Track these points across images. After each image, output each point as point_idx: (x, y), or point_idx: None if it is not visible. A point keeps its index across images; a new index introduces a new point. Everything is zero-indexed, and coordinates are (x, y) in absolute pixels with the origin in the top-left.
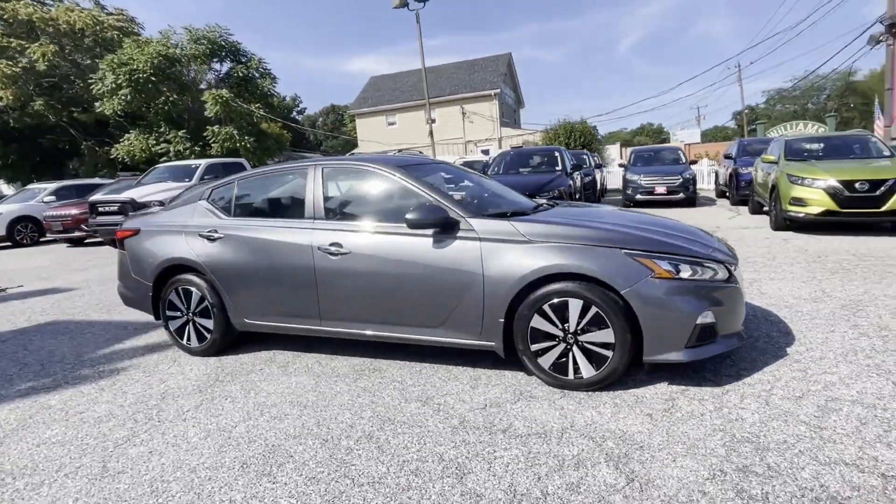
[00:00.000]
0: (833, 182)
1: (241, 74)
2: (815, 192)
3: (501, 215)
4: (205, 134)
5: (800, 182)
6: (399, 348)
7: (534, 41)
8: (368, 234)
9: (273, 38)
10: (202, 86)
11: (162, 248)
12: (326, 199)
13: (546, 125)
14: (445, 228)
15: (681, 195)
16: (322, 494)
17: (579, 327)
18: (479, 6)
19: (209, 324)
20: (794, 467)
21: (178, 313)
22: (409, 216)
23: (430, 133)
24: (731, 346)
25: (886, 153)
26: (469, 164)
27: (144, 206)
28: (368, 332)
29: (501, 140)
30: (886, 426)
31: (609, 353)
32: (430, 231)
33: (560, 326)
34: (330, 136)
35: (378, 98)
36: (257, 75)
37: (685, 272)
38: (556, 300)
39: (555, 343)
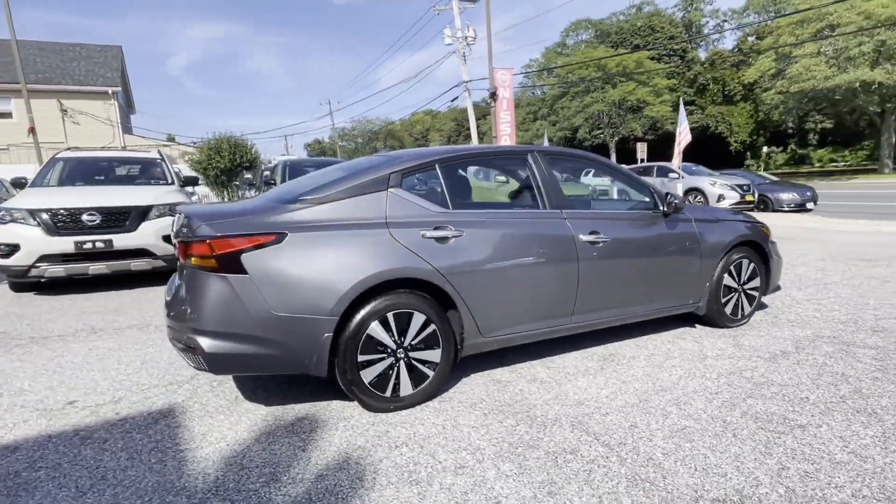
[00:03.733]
0: None
1: None
2: None
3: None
4: None
5: None
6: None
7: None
8: (614, 220)
9: None
10: None
11: (357, 260)
12: (557, 186)
13: (197, 137)
14: (677, 211)
15: None
16: None
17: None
18: None
19: (433, 356)
20: None
21: (381, 355)
22: (671, 202)
23: (33, 130)
24: None
25: None
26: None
27: None
28: (607, 318)
29: (126, 150)
30: None
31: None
32: (665, 215)
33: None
34: None
35: None
36: None
37: None
38: (735, 256)
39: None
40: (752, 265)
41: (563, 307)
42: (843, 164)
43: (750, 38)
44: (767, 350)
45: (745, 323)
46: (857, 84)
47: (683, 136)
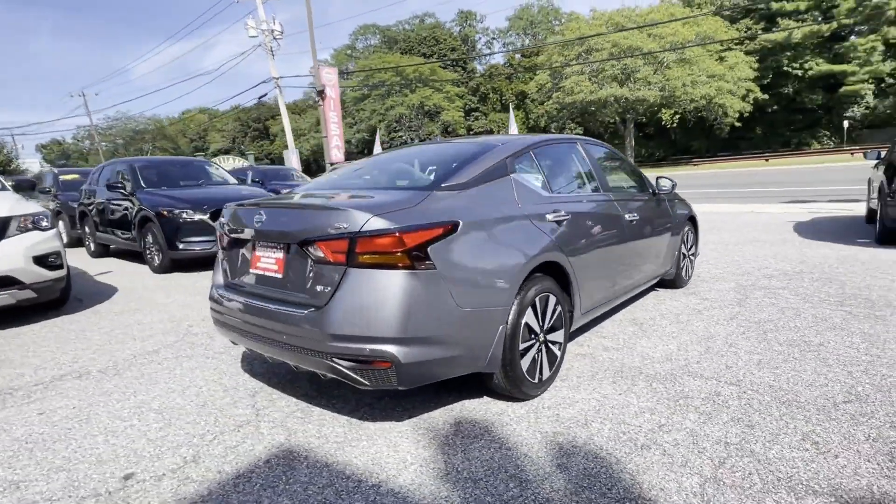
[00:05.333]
0: None
1: None
2: None
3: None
4: None
5: None
6: None
7: None
8: (637, 202)
9: None
10: None
11: (518, 247)
12: (602, 172)
13: None
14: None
15: None
16: None
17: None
18: None
19: (559, 336)
20: None
21: (532, 341)
22: (663, 185)
23: None
24: None
25: None
26: None
27: None
28: (632, 287)
29: None
30: None
31: None
32: (654, 195)
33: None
34: None
35: None
36: None
37: None
38: (685, 228)
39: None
40: (693, 235)
41: (621, 281)
42: None
43: (517, 56)
44: (727, 297)
45: (688, 281)
46: (612, 98)
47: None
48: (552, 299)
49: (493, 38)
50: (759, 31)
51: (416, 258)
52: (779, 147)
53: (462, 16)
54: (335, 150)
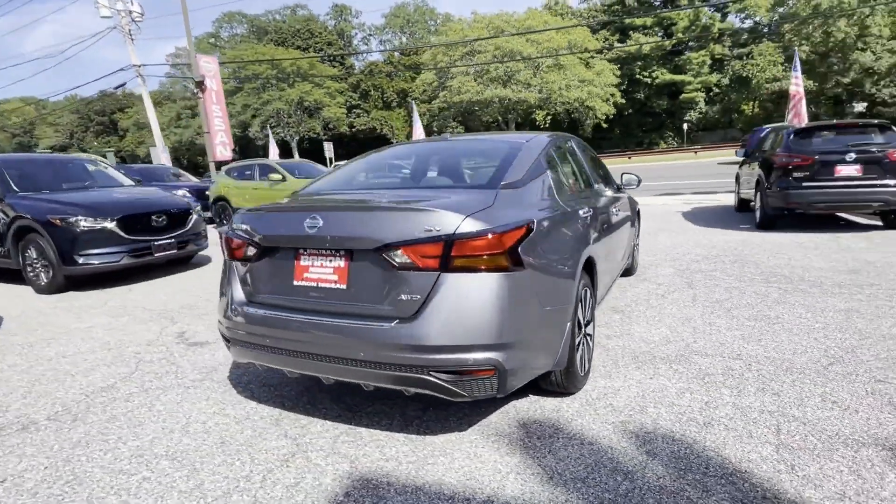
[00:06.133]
0: None
1: None
2: None
3: None
4: None
5: None
6: None
7: None
8: (612, 196)
9: None
10: None
11: (574, 243)
12: (590, 168)
13: None
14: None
15: None
16: None
17: None
18: None
19: (591, 329)
20: None
21: (580, 336)
22: (629, 181)
23: None
24: None
25: None
26: None
27: None
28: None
29: None
30: None
31: None
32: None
33: None
34: None
35: None
36: None
37: None
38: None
39: None
40: (639, 226)
41: (614, 270)
42: None
43: (396, 54)
44: (676, 282)
45: (636, 270)
46: (497, 98)
47: (416, 136)
48: (589, 292)
49: (370, 35)
50: (616, 43)
51: (511, 259)
52: (634, 146)
53: (337, 10)
54: (220, 146)
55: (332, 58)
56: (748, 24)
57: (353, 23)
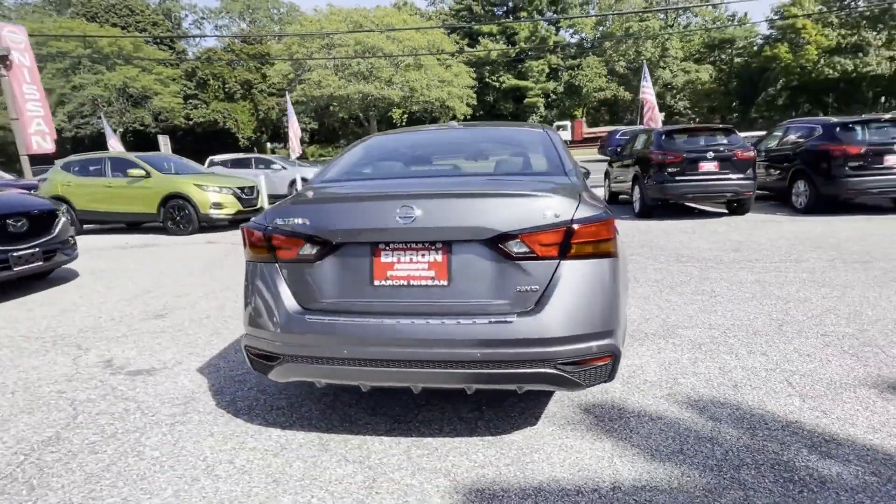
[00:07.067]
0: None
1: None
2: None
3: None
4: None
5: None
6: None
7: None
8: None
9: None
10: None
11: None
12: None
13: None
14: None
15: None
16: None
17: None
18: None
19: None
20: None
21: None
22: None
23: None
24: None
25: None
26: None
27: None
28: None
29: None
30: None
31: None
32: None
33: None
34: None
35: None
36: None
37: None
38: None
39: None
40: None
41: None
42: (329, 158)
43: (237, 41)
44: None
45: None
46: (360, 94)
47: (293, 130)
48: None
49: (203, 18)
50: (466, 47)
51: (615, 245)
52: None
53: None
54: (38, 137)
55: (160, 40)
56: (577, 38)
57: (181, 2)
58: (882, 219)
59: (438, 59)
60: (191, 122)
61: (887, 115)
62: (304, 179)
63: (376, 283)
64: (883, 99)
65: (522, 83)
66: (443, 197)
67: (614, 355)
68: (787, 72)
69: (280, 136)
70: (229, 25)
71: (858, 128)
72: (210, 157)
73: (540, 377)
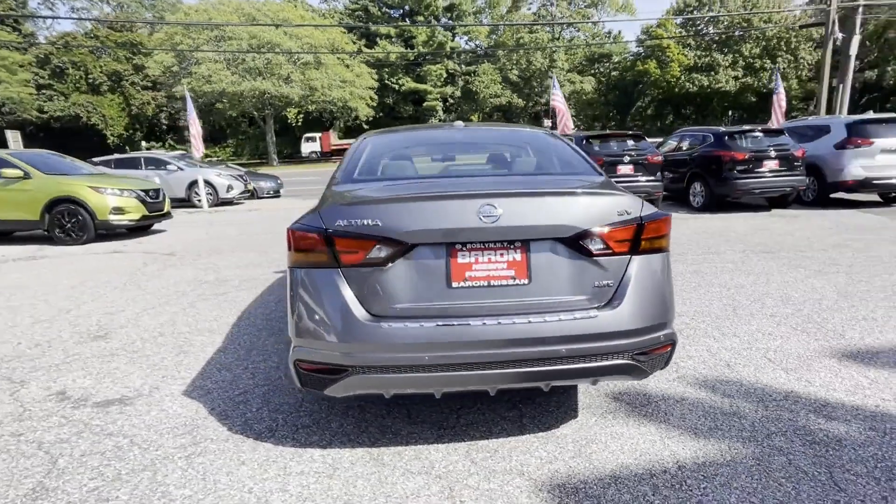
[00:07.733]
0: None
1: None
2: None
3: None
4: None
5: None
6: None
7: None
8: None
9: None
10: None
11: None
12: None
13: None
14: None
15: None
16: None
17: None
18: None
19: None
20: None
21: None
22: None
23: None
24: None
25: None
26: None
27: None
28: None
29: None
30: None
31: None
32: None
33: None
34: None
35: None
36: None
37: None
38: None
39: None
40: None
41: None
42: (216, 158)
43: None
44: None
45: None
46: (256, 91)
47: (196, 128)
48: None
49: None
50: (363, 48)
51: (669, 240)
52: None
53: None
54: None
55: (1, 20)
56: (472, 45)
57: None
58: (762, 215)
59: (339, 59)
60: (45, 116)
61: (761, 127)
62: (207, 182)
63: (454, 284)
64: (730, 112)
65: (421, 86)
66: (524, 196)
67: (673, 343)
68: (655, 85)
69: (156, 134)
70: (89, 8)
71: (742, 137)
72: (91, 158)
73: (616, 368)
